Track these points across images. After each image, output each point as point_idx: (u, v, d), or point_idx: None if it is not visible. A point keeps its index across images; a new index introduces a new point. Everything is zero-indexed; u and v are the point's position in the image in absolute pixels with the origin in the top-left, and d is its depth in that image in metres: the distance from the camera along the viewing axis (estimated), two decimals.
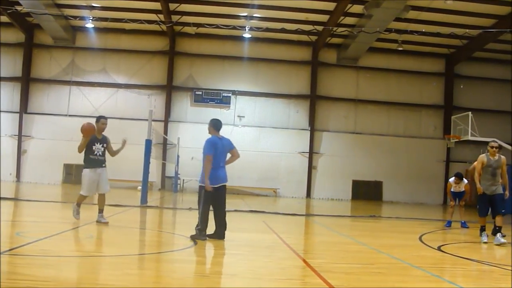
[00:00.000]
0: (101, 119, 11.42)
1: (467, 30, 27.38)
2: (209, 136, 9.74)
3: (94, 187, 11.22)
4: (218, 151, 9.60)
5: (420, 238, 11.57)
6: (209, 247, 8.91)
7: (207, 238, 9.31)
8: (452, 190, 16.55)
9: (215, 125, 9.91)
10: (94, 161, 11.12)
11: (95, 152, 11.12)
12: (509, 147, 26.95)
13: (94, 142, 11.15)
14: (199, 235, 9.27)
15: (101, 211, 11.22)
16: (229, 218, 15.28)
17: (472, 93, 34.24)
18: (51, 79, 32.61)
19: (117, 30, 32.35)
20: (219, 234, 9.54)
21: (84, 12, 29.34)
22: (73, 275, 6.25)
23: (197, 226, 9.43)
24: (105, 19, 30.25)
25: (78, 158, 10.24)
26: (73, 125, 31.36)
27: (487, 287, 6.78)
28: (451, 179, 16.57)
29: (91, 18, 29.83)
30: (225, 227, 9.65)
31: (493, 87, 34.25)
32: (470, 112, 27.65)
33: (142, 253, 8.24)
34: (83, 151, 11.12)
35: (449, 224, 15.81)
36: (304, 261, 7.81)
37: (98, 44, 32.54)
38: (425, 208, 26.80)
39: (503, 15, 26.81)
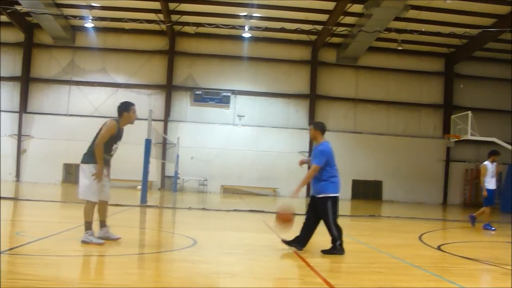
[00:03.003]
0: (132, 106, 8.68)
1: (467, 30, 27.40)
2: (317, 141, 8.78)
3: (106, 190, 8.63)
4: (333, 158, 8.64)
5: (420, 238, 11.57)
6: (209, 246, 8.89)
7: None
8: (489, 187, 14.20)
9: (323, 128, 8.84)
10: (106, 161, 8.44)
11: (112, 152, 8.53)
12: (509, 146, 26.97)
13: (117, 139, 8.55)
14: (340, 249, 8.42)
15: (104, 223, 8.74)
16: (229, 217, 15.38)
17: (471, 92, 34.24)
18: (51, 79, 32.60)
19: (116, 30, 32.34)
20: (302, 243, 8.64)
21: (84, 12, 29.33)
22: (73, 275, 6.25)
23: (335, 241, 8.43)
24: (105, 19, 30.27)
25: (79, 158, 8.62)
26: (73, 124, 31.54)
27: (487, 286, 6.79)
28: (487, 162, 14.32)
29: (91, 17, 29.83)
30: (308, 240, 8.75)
31: (493, 87, 34.25)
32: (469, 112, 27.64)
33: (142, 253, 8.23)
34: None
35: (487, 226, 14.28)
36: (304, 260, 7.81)
37: (97, 43, 32.53)
38: (425, 208, 26.80)
39: (502, 15, 26.81)
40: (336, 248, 8.39)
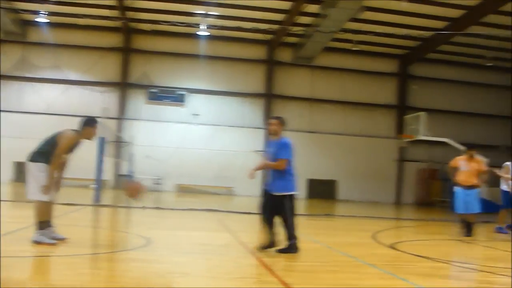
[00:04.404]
0: (96, 124, 8.61)
1: (421, 32, 27.85)
2: (280, 136, 8.71)
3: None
4: (293, 155, 8.64)
5: (374, 236, 11.70)
6: (164, 246, 8.82)
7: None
8: (506, 189, 13.59)
9: (286, 124, 8.80)
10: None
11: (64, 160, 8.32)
12: (460, 147, 27.54)
13: (70, 151, 8.33)
14: (295, 247, 8.43)
15: (50, 223, 8.39)
16: (184, 217, 15.30)
17: (424, 93, 34.81)
18: (1, 75, 31.74)
19: (70, 25, 31.70)
20: (275, 243, 8.61)
21: (36, 6, 28.65)
22: (24, 276, 6.10)
23: (292, 239, 8.45)
24: (58, 14, 29.63)
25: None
26: (24, 121, 30.82)
27: (439, 283, 6.92)
28: (509, 162, 13.67)
29: (43, 12, 29.14)
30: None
31: (445, 88, 34.92)
32: (422, 112, 28.15)
33: (95, 253, 8.11)
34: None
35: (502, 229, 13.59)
36: (259, 259, 7.80)
37: (50, 39, 31.83)
38: (379, 207, 27.17)
39: (455, 18, 27.32)
40: (292, 247, 8.39)
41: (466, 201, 12.50)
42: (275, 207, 8.56)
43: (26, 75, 31.58)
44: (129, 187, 8.53)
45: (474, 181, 12.52)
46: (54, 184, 8.19)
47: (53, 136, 8.22)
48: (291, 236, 8.45)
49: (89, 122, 8.46)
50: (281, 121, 8.74)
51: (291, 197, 8.53)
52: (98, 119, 8.66)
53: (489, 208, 22.21)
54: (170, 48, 32.83)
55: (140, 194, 8.57)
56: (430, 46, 31.47)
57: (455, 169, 12.82)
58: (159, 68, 32.82)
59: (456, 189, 12.68)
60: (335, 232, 13.78)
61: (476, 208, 12.45)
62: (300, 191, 32.93)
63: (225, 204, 22.44)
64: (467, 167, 12.60)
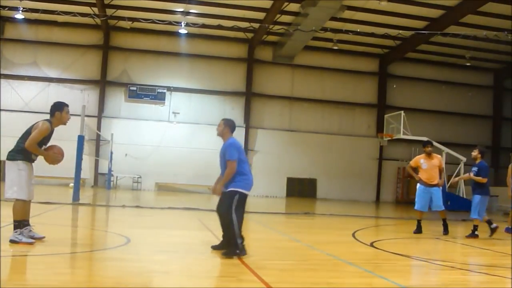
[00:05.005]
0: (65, 107, 8.42)
1: (400, 31, 28.02)
2: (227, 138, 8.29)
3: (32, 189, 8.16)
4: (243, 154, 8.25)
5: (353, 235, 11.73)
6: (143, 245, 8.77)
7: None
8: None
9: (232, 126, 8.48)
10: (31, 160, 8.13)
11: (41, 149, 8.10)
12: (439, 146, 27.71)
13: (47, 141, 8.19)
14: (242, 249, 7.82)
15: (27, 222, 8.24)
16: (163, 215, 15.23)
17: (404, 92, 35.11)
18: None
19: (49, 22, 31.42)
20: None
21: (14, 2, 28.29)
22: (2, 275, 6.01)
23: (235, 239, 7.81)
24: (36, 10, 29.26)
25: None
26: (2, 119, 30.41)
27: (417, 281, 6.96)
28: None
29: (21, 8, 28.75)
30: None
31: (424, 87, 35.29)
32: (402, 111, 28.34)
33: (74, 252, 8.03)
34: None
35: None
36: (239, 258, 7.78)
37: (28, 36, 31.50)
38: (358, 205, 27.27)
39: (435, 18, 27.57)
40: (236, 248, 7.84)
41: (425, 199, 12.64)
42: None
43: (3, 72, 31.16)
44: (49, 152, 8.18)
45: (436, 178, 12.62)
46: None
47: (27, 130, 8.06)
48: (234, 235, 7.87)
49: (58, 107, 8.33)
50: (227, 123, 8.45)
51: (240, 195, 8.03)
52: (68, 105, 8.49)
53: (469, 206, 22.40)
54: (150, 46, 32.71)
55: (59, 159, 8.27)
56: (410, 46, 31.71)
57: (416, 168, 12.91)
58: (139, 66, 32.69)
59: (419, 186, 12.79)
60: (315, 231, 13.80)
61: (440, 205, 12.56)
62: (279, 190, 33.16)
63: (205, 202, 22.35)
64: (427, 165, 12.69)
